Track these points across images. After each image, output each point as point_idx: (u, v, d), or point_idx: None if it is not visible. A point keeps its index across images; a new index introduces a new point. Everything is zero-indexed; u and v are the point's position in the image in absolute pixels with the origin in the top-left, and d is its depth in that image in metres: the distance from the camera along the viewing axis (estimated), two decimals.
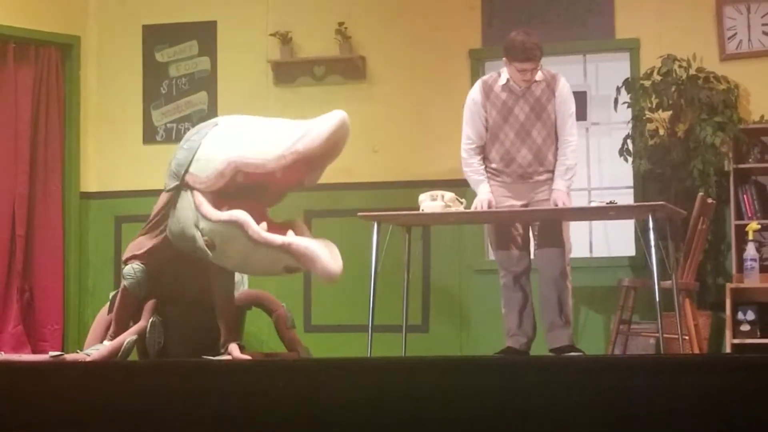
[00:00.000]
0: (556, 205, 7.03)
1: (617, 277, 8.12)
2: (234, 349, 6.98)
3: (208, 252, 6.71)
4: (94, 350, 7.07)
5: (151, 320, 7.17)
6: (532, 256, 7.28)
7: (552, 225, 7.13)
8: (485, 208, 7.07)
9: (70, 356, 7.13)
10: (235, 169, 6.63)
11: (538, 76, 7.09)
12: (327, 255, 6.45)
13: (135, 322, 7.24)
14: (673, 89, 8.36)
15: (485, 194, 7.11)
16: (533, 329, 7.20)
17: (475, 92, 7.22)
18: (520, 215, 7.11)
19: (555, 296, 7.08)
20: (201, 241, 6.69)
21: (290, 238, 6.52)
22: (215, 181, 6.68)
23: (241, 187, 6.74)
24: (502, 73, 7.18)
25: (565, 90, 7.12)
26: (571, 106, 7.14)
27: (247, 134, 6.76)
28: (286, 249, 6.51)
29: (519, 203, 7.11)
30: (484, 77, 7.37)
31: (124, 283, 7.18)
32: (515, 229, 7.20)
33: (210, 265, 7.02)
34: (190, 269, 7.13)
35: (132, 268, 7.17)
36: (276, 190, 6.97)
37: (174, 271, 7.16)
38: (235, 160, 6.62)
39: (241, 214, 6.53)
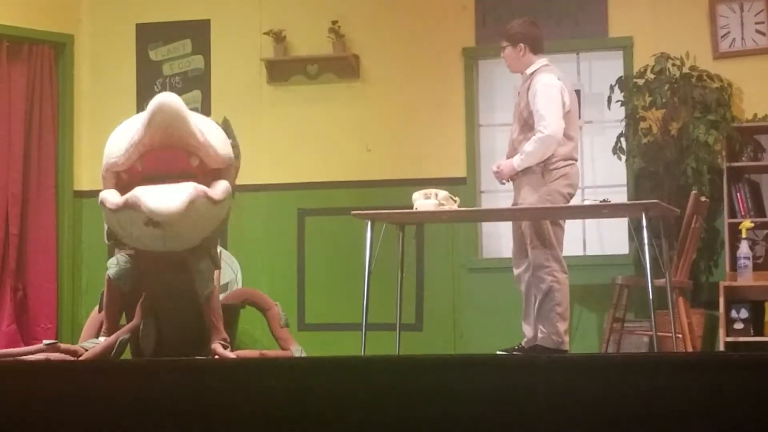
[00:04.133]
0: (499, 167, 7.15)
1: (611, 276, 8.12)
2: (216, 347, 6.97)
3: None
4: (91, 344, 7.06)
5: (144, 318, 7.17)
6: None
7: (525, 227, 7.16)
8: (494, 171, 7.20)
9: (64, 346, 7.11)
10: (108, 170, 6.89)
11: (528, 71, 7.18)
12: (152, 196, 6.60)
13: (129, 318, 7.24)
14: (666, 87, 8.36)
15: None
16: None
17: None
18: (513, 214, 7.12)
19: (533, 294, 7.13)
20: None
21: (130, 194, 6.71)
22: (107, 184, 6.94)
23: (148, 179, 6.85)
24: None
25: (535, 87, 7.06)
26: (538, 101, 7.01)
27: (113, 136, 6.98)
28: (128, 205, 6.69)
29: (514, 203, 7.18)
30: None
31: (108, 273, 7.18)
32: (518, 229, 7.27)
33: (188, 262, 7.05)
34: (176, 267, 7.13)
35: (116, 259, 7.19)
36: (172, 174, 6.93)
37: (164, 268, 7.16)
38: (104, 164, 6.94)
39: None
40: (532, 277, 7.06)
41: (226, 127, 7.32)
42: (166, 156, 6.77)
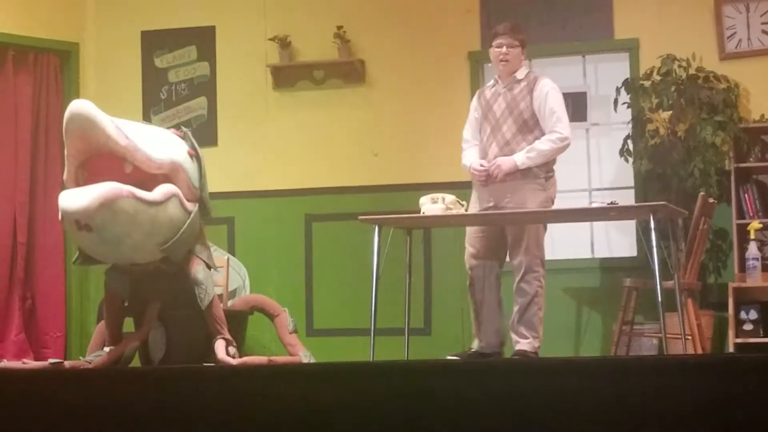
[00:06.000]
0: (496, 163, 7.10)
1: (619, 278, 8.11)
2: (218, 346, 6.93)
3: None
4: (95, 357, 7.06)
5: (152, 326, 7.16)
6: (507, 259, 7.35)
7: (518, 231, 7.15)
8: (478, 169, 7.14)
9: (69, 363, 7.11)
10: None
11: (520, 74, 7.28)
12: (67, 194, 6.69)
13: (137, 326, 7.24)
14: (672, 89, 8.35)
15: (477, 162, 7.22)
16: (497, 334, 7.32)
17: (474, 98, 7.52)
18: (520, 217, 7.10)
19: (514, 303, 7.15)
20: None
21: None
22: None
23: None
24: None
25: (545, 88, 7.19)
26: (552, 103, 7.15)
27: None
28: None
29: (488, 206, 7.13)
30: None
31: (105, 282, 7.17)
32: (480, 232, 7.26)
33: (181, 272, 7.02)
34: (169, 277, 7.10)
35: (114, 267, 7.17)
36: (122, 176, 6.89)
37: (157, 278, 7.13)
38: None
39: None
40: (520, 281, 7.09)
41: (185, 137, 7.28)
42: (105, 164, 6.72)
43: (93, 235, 6.71)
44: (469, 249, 7.30)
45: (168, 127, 9.25)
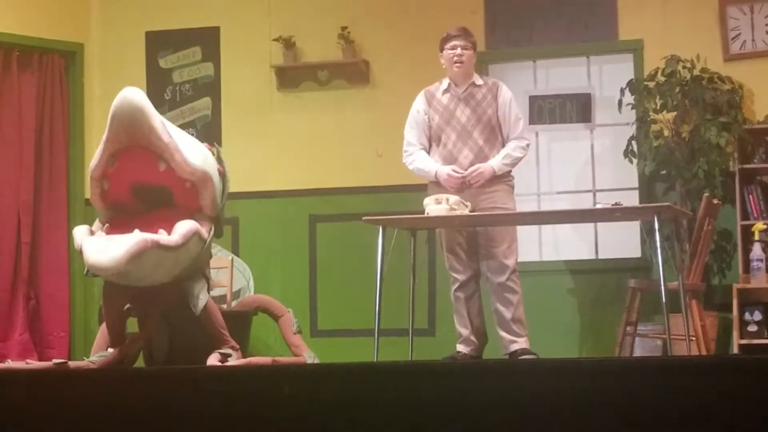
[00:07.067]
0: (478, 169, 7.16)
1: (623, 279, 8.11)
2: (211, 359, 6.91)
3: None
4: (99, 357, 7.05)
5: (157, 326, 7.16)
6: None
7: (500, 233, 7.22)
8: (455, 176, 7.16)
9: (73, 363, 7.10)
10: (91, 178, 6.84)
11: (479, 80, 7.38)
12: (94, 249, 6.47)
13: (141, 327, 7.23)
14: (677, 90, 8.35)
15: (447, 168, 7.21)
16: (483, 336, 7.43)
17: (418, 101, 7.50)
18: (525, 218, 7.12)
19: (500, 303, 7.21)
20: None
21: (82, 242, 6.62)
22: (92, 194, 6.90)
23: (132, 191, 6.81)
24: (443, 81, 7.43)
25: (507, 95, 7.35)
26: (516, 110, 7.36)
27: None
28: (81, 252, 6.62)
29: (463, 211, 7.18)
30: (427, 87, 7.55)
31: (103, 289, 7.12)
32: (459, 235, 7.30)
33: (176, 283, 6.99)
34: (165, 286, 7.06)
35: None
36: (145, 183, 6.85)
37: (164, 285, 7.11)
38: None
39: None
40: (507, 281, 7.17)
41: (217, 155, 7.24)
42: (139, 158, 6.67)
43: (114, 276, 6.69)
44: (450, 256, 7.36)
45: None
